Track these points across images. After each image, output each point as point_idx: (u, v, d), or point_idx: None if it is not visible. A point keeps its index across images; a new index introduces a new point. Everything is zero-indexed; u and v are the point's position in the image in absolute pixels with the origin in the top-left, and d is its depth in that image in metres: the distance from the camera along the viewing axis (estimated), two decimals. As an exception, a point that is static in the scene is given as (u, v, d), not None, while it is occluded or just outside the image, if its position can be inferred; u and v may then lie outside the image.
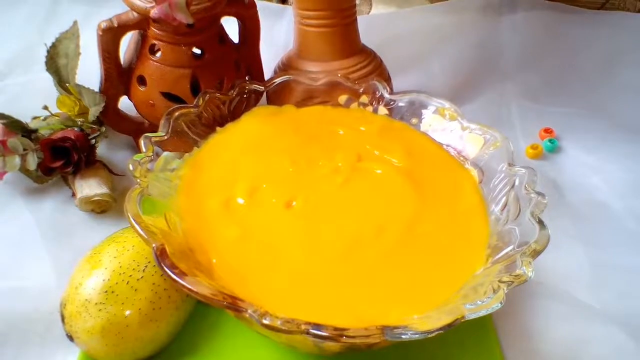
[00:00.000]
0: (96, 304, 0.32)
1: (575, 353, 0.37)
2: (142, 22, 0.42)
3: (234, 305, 0.27)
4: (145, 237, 0.30)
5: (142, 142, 0.36)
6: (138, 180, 0.33)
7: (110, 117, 0.47)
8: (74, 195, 0.44)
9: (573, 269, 0.42)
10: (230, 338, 0.36)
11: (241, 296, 0.30)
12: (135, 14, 0.42)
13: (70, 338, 0.33)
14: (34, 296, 0.38)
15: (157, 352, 0.35)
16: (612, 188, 0.49)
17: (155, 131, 0.43)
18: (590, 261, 0.42)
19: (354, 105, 0.46)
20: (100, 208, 0.44)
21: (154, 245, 0.29)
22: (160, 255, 0.29)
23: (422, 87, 0.59)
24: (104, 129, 0.47)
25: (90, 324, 0.32)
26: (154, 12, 0.39)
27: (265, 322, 0.26)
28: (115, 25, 0.42)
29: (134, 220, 0.30)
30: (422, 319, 0.29)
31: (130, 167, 0.34)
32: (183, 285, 0.28)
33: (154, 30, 0.42)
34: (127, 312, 0.32)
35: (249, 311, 0.27)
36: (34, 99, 0.48)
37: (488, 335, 0.37)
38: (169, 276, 0.28)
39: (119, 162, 0.49)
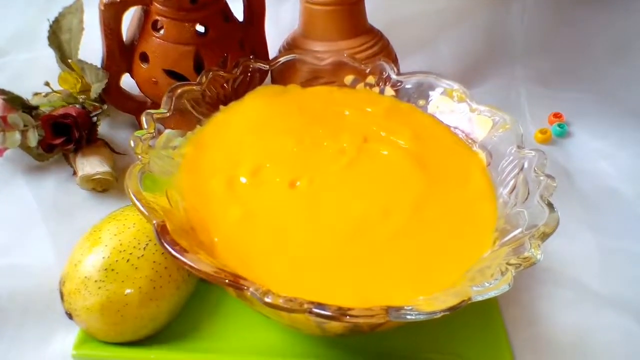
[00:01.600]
0: (96, 281, 0.32)
1: (582, 340, 0.36)
2: (145, -3, 0.41)
3: (236, 283, 0.27)
4: (146, 213, 0.29)
5: (143, 118, 0.35)
6: (139, 157, 0.33)
7: (113, 95, 0.46)
8: (75, 173, 0.44)
9: (581, 255, 0.41)
10: (232, 318, 0.36)
11: (243, 276, 0.30)
12: (138, -11, 0.41)
13: (70, 316, 0.33)
14: (34, 274, 0.37)
15: (157, 331, 0.34)
16: (622, 174, 0.48)
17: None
18: (599, 247, 0.42)
19: (360, 85, 0.45)
20: (101, 187, 0.43)
21: (154, 221, 0.28)
22: (161, 231, 0.28)
23: (430, 70, 0.58)
24: (105, 106, 0.46)
25: (90, 302, 0.32)
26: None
27: (267, 300, 0.26)
28: (118, 0, 0.41)
29: (135, 196, 0.30)
30: (427, 300, 0.28)
31: (132, 143, 0.33)
32: (184, 262, 0.27)
33: (157, 5, 0.41)
34: (127, 291, 0.32)
35: (251, 289, 0.26)
36: (36, 76, 0.47)
37: (494, 321, 0.36)
38: (170, 253, 0.27)
39: (121, 141, 0.49)
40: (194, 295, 0.36)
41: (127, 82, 0.47)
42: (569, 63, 0.60)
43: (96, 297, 0.32)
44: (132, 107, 0.48)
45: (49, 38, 0.46)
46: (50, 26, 0.46)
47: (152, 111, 0.36)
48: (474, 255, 0.33)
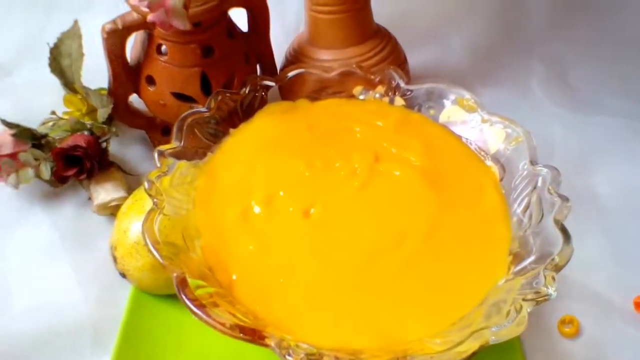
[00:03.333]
0: (145, 245, 0.33)
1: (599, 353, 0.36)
2: (147, 23, 0.40)
3: (253, 340, 0.27)
4: (165, 264, 0.30)
5: (155, 156, 0.35)
6: (155, 200, 0.33)
7: (121, 115, 0.46)
8: (90, 198, 0.44)
9: (596, 261, 0.41)
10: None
11: (262, 315, 0.31)
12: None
13: (123, 275, 0.38)
14: (61, 311, 0.38)
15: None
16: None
17: (167, 125, 0.41)
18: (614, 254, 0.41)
19: (370, 96, 0.44)
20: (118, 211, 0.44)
21: (174, 274, 0.29)
22: (180, 284, 0.29)
23: (440, 63, 0.57)
24: (114, 128, 0.46)
25: (141, 262, 0.36)
26: (149, 18, 0.37)
27: (288, 358, 0.26)
28: (120, 27, 0.40)
29: (154, 247, 0.30)
30: (444, 343, 0.29)
31: (146, 185, 0.33)
32: (202, 319, 0.28)
33: (159, 30, 0.41)
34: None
35: (272, 345, 0.27)
36: (41, 98, 0.47)
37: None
38: (189, 309, 0.28)
39: (133, 158, 0.49)
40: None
41: (135, 97, 0.47)
42: (590, 51, 0.57)
43: (147, 258, 0.36)
44: (142, 124, 0.48)
45: (50, 65, 0.46)
46: (51, 52, 0.46)
47: (164, 147, 0.36)
48: (489, 282, 0.33)
